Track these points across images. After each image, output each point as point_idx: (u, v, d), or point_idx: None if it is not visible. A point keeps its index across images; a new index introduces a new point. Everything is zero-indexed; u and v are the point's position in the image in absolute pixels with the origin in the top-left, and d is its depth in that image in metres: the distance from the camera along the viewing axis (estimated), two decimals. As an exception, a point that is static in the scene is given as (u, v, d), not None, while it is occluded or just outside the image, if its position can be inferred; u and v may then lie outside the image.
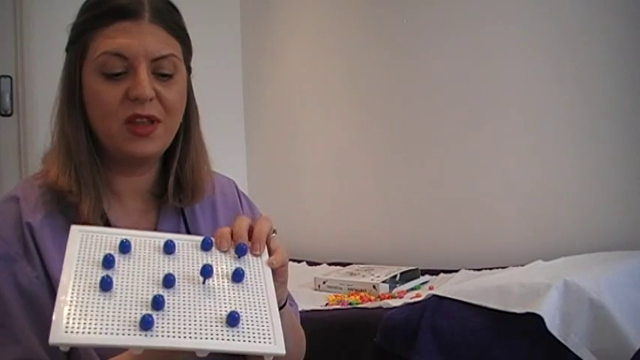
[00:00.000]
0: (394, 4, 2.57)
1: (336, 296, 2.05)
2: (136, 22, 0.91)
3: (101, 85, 0.91)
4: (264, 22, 3.09)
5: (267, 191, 3.00)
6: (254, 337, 0.73)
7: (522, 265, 1.94)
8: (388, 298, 1.96)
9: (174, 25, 0.95)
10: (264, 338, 0.74)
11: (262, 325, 0.75)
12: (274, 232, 0.89)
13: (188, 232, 1.00)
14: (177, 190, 1.01)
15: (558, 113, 2.18)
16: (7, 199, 0.93)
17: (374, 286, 2.04)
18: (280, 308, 0.92)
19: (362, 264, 2.40)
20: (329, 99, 2.82)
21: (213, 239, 0.84)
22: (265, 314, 0.77)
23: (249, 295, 0.79)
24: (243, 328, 0.74)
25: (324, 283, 2.19)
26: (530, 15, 2.23)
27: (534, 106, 2.22)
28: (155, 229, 0.98)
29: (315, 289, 2.19)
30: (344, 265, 2.45)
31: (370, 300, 1.95)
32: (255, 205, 1.15)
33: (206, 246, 0.83)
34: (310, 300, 2.00)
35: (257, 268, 0.83)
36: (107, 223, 0.94)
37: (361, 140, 2.70)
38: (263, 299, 0.79)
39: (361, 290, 2.06)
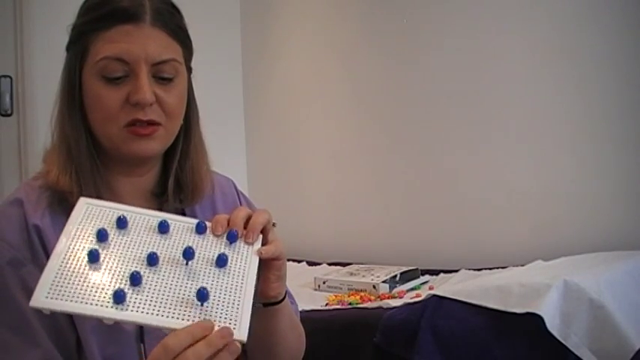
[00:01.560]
0: (394, 4, 2.57)
1: (336, 296, 2.05)
2: (137, 26, 0.90)
3: (102, 89, 0.91)
4: (264, 22, 3.09)
5: (267, 191, 3.00)
6: (220, 320, 0.75)
7: (522, 265, 1.94)
8: (388, 298, 1.96)
9: (175, 28, 0.95)
10: (229, 323, 0.75)
11: (231, 311, 0.76)
12: (274, 224, 0.90)
13: None
14: (177, 190, 1.02)
15: (558, 114, 2.18)
16: (11, 202, 0.92)
17: (374, 286, 2.04)
18: (278, 302, 0.93)
19: (362, 264, 2.40)
20: (329, 99, 2.82)
21: (207, 224, 0.86)
22: (238, 300, 0.78)
23: (227, 280, 0.80)
24: (211, 311, 0.75)
25: (324, 283, 2.19)
26: (529, 16, 2.23)
27: (534, 106, 2.22)
28: None
29: (315, 289, 2.20)
30: (344, 265, 2.45)
31: (370, 300, 1.95)
32: (254, 204, 1.15)
33: (200, 229, 0.85)
34: (310, 300, 2.00)
35: (244, 256, 0.84)
36: None
37: (361, 140, 2.70)
38: (240, 286, 0.80)
39: (361, 290, 2.06)
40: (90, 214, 0.81)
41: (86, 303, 0.71)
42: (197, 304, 0.75)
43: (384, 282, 2.05)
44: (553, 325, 1.43)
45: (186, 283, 0.77)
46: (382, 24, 2.60)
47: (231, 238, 0.84)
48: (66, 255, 0.76)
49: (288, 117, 3.00)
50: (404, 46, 2.54)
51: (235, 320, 0.75)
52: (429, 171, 2.48)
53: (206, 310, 0.75)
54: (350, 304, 1.93)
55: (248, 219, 0.87)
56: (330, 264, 2.55)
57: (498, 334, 1.50)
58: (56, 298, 0.71)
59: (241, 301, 0.78)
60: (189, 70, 1.01)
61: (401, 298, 1.95)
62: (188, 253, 0.79)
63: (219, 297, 0.77)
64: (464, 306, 1.56)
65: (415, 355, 1.55)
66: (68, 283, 0.73)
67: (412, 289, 2.07)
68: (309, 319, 1.25)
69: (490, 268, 2.11)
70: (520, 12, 2.25)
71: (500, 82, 2.30)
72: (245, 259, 0.84)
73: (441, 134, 2.45)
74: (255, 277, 0.82)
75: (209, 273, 0.80)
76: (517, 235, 2.24)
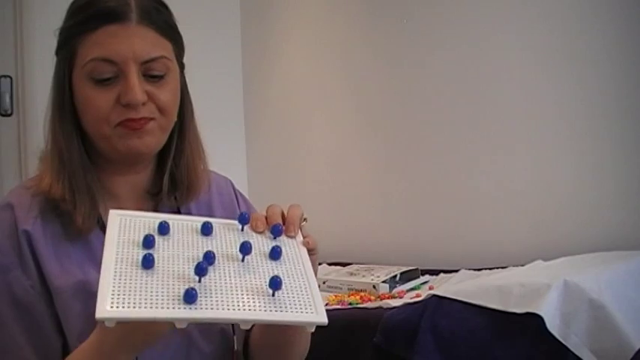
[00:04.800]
0: (394, 4, 2.57)
1: (336, 296, 2.05)
2: (123, 25, 0.90)
3: (92, 92, 0.90)
4: (265, 23, 3.09)
5: (267, 191, 3.00)
6: (296, 307, 0.74)
7: (522, 265, 1.94)
8: (388, 298, 1.95)
9: (163, 25, 0.94)
10: (306, 308, 0.75)
11: (303, 296, 0.76)
12: (305, 219, 0.90)
13: None
14: (173, 187, 1.01)
15: (558, 113, 2.18)
16: (1, 207, 0.92)
17: (374, 286, 2.04)
18: None
19: (362, 264, 2.40)
20: (329, 99, 2.82)
21: (249, 215, 0.86)
22: (305, 286, 0.78)
23: (287, 269, 0.80)
24: (284, 299, 0.75)
25: (324, 283, 2.19)
26: (529, 16, 2.22)
27: (534, 105, 2.22)
28: None
29: (315, 289, 2.19)
30: (344, 265, 2.45)
31: (370, 300, 1.95)
32: (252, 205, 1.15)
33: (243, 220, 0.85)
34: (310, 300, 2.00)
35: (293, 247, 0.85)
36: (104, 227, 0.93)
37: (361, 140, 2.70)
38: (302, 273, 0.80)
39: (361, 290, 2.06)
40: (126, 224, 0.80)
41: (156, 307, 0.69)
42: (268, 294, 0.74)
43: (384, 282, 2.05)
44: (553, 325, 1.43)
45: (250, 277, 0.77)
46: (382, 24, 2.60)
47: (276, 233, 0.85)
48: (117, 265, 0.73)
49: (288, 117, 3.00)
50: (404, 46, 2.54)
51: (310, 305, 0.75)
52: (428, 171, 2.48)
53: (278, 299, 0.74)
54: (350, 304, 1.93)
55: (282, 215, 0.88)
56: (330, 264, 2.55)
57: (498, 334, 1.50)
58: (122, 307, 0.68)
59: (309, 287, 0.78)
60: (182, 66, 1.00)
61: (401, 298, 1.95)
62: (245, 248, 0.79)
63: (288, 285, 0.77)
64: (464, 306, 1.56)
65: (415, 355, 1.55)
66: (130, 291, 0.70)
67: (412, 289, 2.07)
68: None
69: (490, 268, 2.11)
70: (520, 12, 2.24)
71: (500, 82, 2.30)
72: (295, 250, 0.84)
73: (441, 134, 2.44)
74: (311, 266, 0.83)
75: (268, 265, 0.80)
76: (517, 235, 2.24)
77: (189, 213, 1.03)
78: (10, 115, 2.45)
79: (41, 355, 0.86)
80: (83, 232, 0.90)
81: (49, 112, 0.96)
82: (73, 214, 0.91)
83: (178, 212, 1.02)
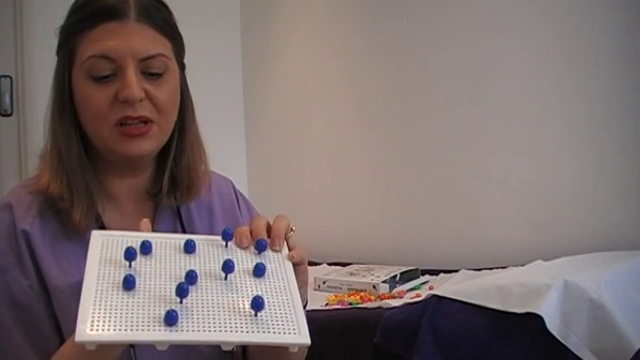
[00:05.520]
0: (394, 4, 2.57)
1: (336, 296, 2.05)
2: (121, 23, 0.89)
3: (90, 89, 0.90)
4: (265, 22, 3.09)
5: (266, 191, 3.00)
6: (278, 328, 0.74)
7: (522, 265, 1.94)
8: (388, 298, 1.95)
9: (162, 23, 0.94)
10: (289, 329, 0.74)
11: (286, 316, 0.75)
12: (292, 229, 0.89)
13: (184, 232, 1.00)
14: (173, 188, 1.00)
15: (558, 113, 2.18)
16: (0, 207, 0.92)
17: (374, 286, 2.04)
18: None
19: (362, 264, 2.40)
20: (329, 99, 2.82)
21: (233, 231, 0.85)
22: (288, 305, 0.77)
23: (271, 288, 0.79)
24: (267, 319, 0.74)
25: (324, 283, 2.19)
26: (528, 16, 2.22)
27: (534, 105, 2.22)
28: (152, 230, 0.98)
29: (315, 289, 2.19)
30: (344, 265, 2.45)
31: (370, 300, 1.95)
32: (253, 205, 1.15)
33: (226, 236, 0.84)
34: (310, 300, 1.99)
35: (278, 263, 0.84)
36: (102, 227, 0.93)
37: (361, 140, 2.70)
38: (285, 291, 0.79)
39: (361, 290, 2.06)
40: (108, 244, 0.80)
41: (137, 330, 0.69)
42: (251, 315, 0.74)
43: (384, 282, 2.05)
44: (553, 325, 1.43)
45: (233, 296, 0.76)
46: (382, 24, 2.60)
47: (261, 248, 0.84)
48: (98, 286, 0.73)
49: (288, 117, 3.00)
50: (404, 46, 2.54)
51: (293, 325, 0.75)
52: (428, 171, 2.48)
53: (261, 319, 0.74)
54: (350, 304, 1.93)
55: (268, 227, 0.87)
56: (330, 264, 2.55)
57: (498, 334, 1.50)
58: (102, 330, 0.68)
59: (292, 306, 0.77)
60: (182, 66, 1.00)
61: (401, 298, 1.95)
62: (228, 267, 0.78)
63: (271, 305, 0.76)
64: (464, 306, 1.56)
65: (415, 355, 1.55)
66: (110, 314, 0.70)
67: (412, 289, 2.07)
68: (309, 319, 1.25)
69: (490, 268, 2.11)
70: (520, 12, 2.24)
71: (500, 81, 2.30)
72: (280, 266, 0.83)
73: (440, 134, 2.45)
74: (295, 282, 0.82)
75: (251, 283, 0.79)
76: (517, 234, 2.24)
77: (188, 213, 1.03)
78: (10, 115, 2.45)
79: (40, 355, 0.86)
80: (81, 230, 0.90)
81: (49, 111, 0.95)
82: (71, 212, 0.90)
83: (178, 212, 1.02)
